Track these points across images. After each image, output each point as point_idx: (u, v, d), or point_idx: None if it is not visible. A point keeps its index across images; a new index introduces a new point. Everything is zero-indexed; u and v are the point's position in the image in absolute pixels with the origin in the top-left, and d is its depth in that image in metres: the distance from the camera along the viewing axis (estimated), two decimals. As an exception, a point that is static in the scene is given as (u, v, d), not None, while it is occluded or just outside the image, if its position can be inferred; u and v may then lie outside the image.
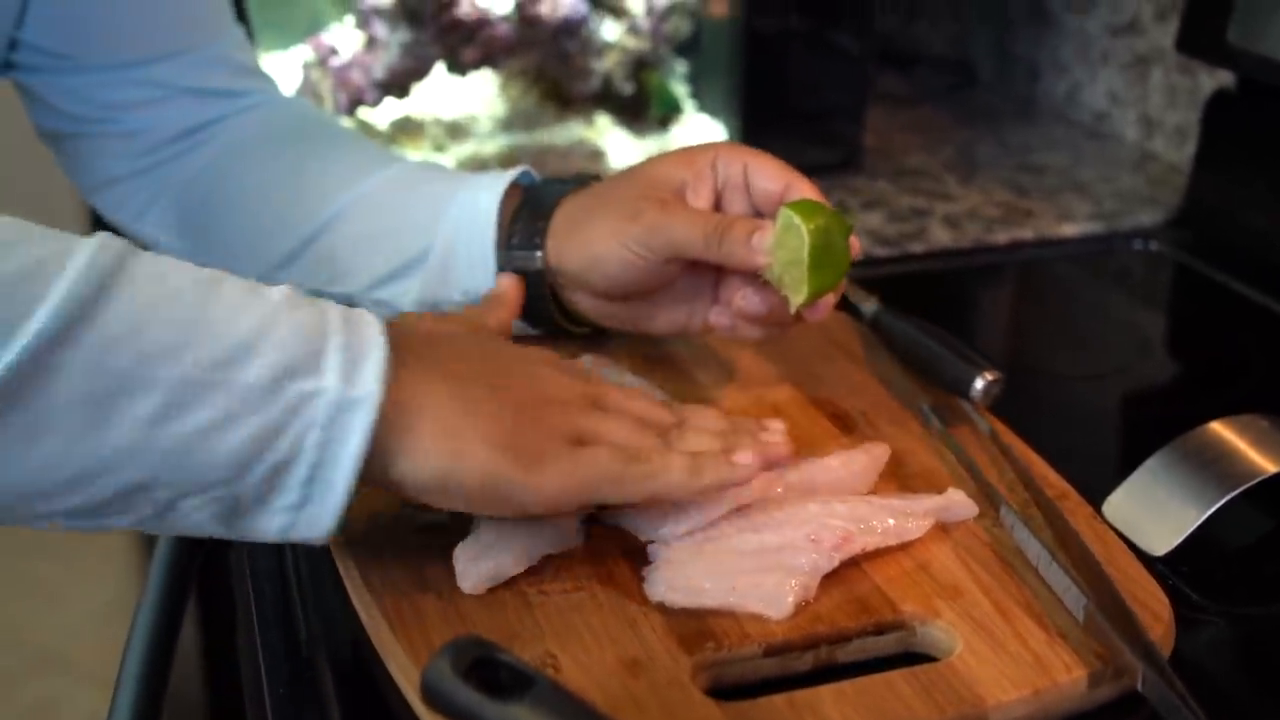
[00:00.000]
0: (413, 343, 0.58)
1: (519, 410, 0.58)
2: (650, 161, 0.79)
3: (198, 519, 0.53)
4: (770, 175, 0.75)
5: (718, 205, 0.76)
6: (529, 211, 0.79)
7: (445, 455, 0.55)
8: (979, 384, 0.74)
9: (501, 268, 0.78)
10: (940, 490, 0.67)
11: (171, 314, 0.50)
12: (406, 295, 0.82)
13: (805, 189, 0.73)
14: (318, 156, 0.87)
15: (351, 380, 0.52)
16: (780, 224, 0.68)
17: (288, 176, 0.86)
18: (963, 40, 1.50)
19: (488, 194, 0.79)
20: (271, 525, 0.53)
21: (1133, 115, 1.27)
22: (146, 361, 0.49)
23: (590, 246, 0.76)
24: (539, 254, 0.77)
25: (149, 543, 1.70)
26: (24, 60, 0.83)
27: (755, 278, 0.71)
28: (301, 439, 0.51)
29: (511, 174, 0.80)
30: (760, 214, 0.75)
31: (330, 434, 0.52)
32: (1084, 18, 1.32)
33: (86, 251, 0.49)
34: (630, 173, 0.79)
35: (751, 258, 0.70)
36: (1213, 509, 0.65)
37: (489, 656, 0.49)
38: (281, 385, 0.51)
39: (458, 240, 0.79)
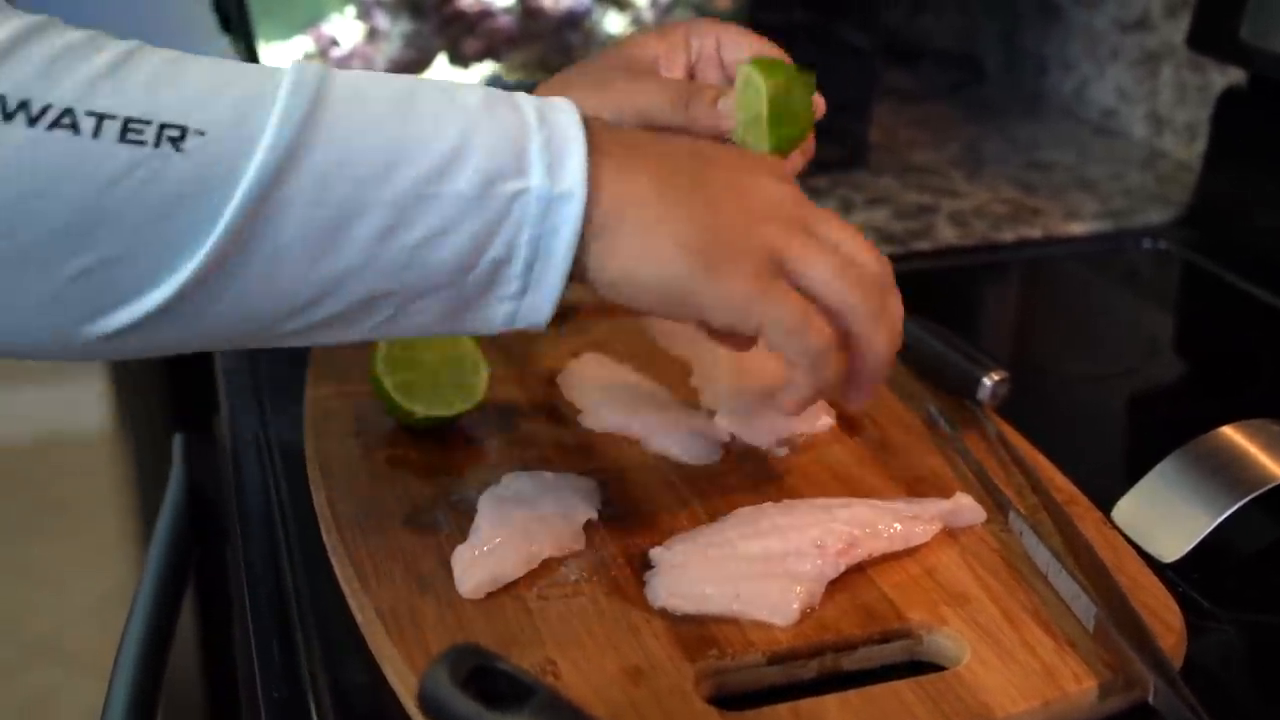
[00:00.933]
0: (615, 136, 0.58)
1: (719, 212, 0.57)
2: (626, 39, 0.80)
3: (428, 318, 0.55)
4: (742, 45, 0.74)
5: (692, 77, 0.75)
6: None
7: (635, 253, 0.56)
8: (986, 385, 0.74)
9: None
10: (947, 495, 0.67)
11: (379, 136, 0.51)
12: None
13: (774, 55, 0.72)
14: None
15: (557, 177, 0.53)
16: (740, 81, 0.69)
17: None
18: (969, 35, 1.49)
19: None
20: (496, 315, 0.55)
21: (1142, 112, 1.27)
22: (362, 186, 0.51)
23: None
24: None
25: (146, 532, 1.70)
26: None
27: None
28: (516, 236, 0.53)
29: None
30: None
31: (542, 229, 0.53)
32: (1092, 13, 1.31)
33: (286, 87, 0.50)
34: (605, 50, 0.80)
35: (717, 121, 0.70)
36: (1224, 515, 0.65)
37: (488, 665, 0.49)
38: (492, 189, 0.52)
39: None
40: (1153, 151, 1.24)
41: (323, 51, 1.09)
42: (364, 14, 1.08)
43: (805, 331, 0.56)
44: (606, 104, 0.73)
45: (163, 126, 0.48)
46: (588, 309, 0.83)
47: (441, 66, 1.12)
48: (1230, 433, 0.69)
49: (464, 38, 1.09)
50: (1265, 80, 0.99)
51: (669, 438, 0.71)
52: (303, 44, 1.13)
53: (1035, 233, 1.06)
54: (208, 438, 0.87)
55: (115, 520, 2.05)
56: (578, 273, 0.56)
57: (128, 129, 0.47)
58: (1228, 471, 0.67)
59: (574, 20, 1.10)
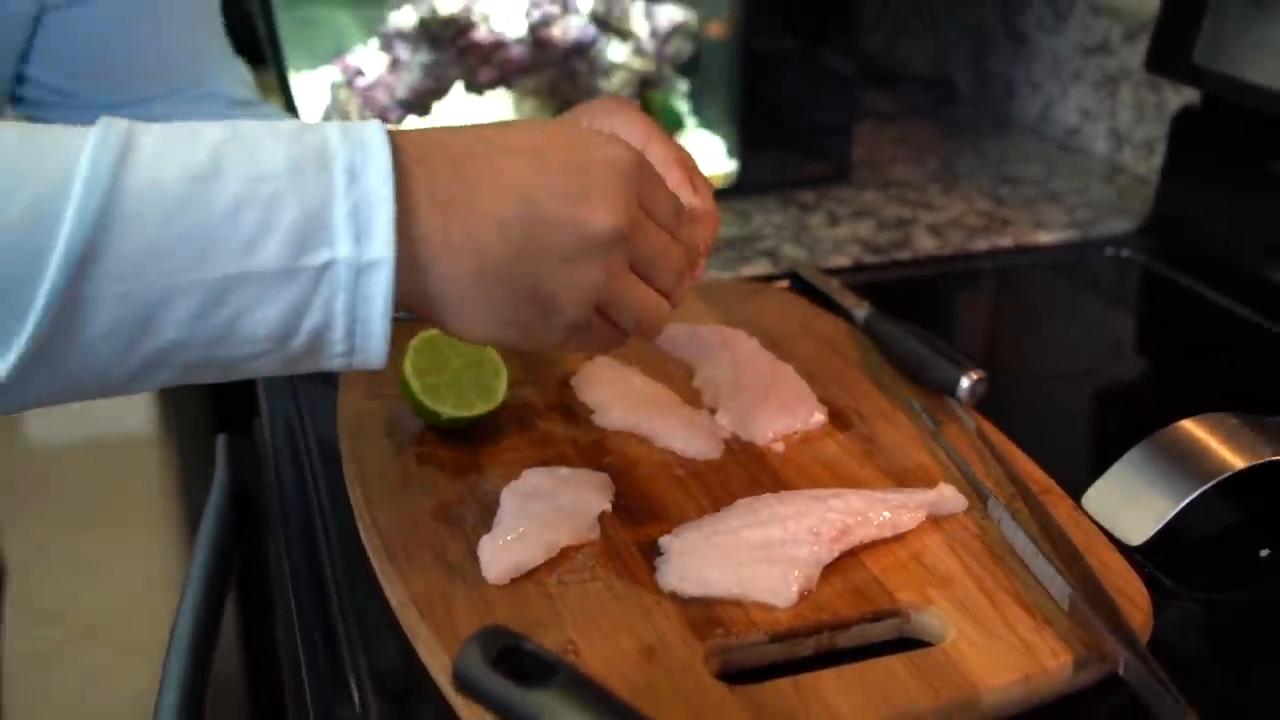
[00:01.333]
0: (436, 185, 0.53)
1: (535, 287, 0.54)
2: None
3: (262, 370, 0.52)
4: (633, 134, 0.67)
5: None
6: None
7: (463, 322, 0.54)
8: (965, 384, 0.74)
9: None
10: (931, 485, 0.66)
11: (180, 225, 0.48)
12: None
13: (657, 148, 0.66)
14: None
15: (364, 245, 0.50)
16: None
17: None
18: (943, 60, 1.49)
19: None
20: (331, 365, 0.52)
21: (1103, 130, 1.27)
22: (167, 276, 0.47)
23: None
24: None
25: (190, 526, 1.70)
26: (31, 95, 0.84)
27: None
28: (331, 305, 0.50)
29: None
30: None
31: (356, 297, 0.50)
32: (1056, 38, 1.31)
33: (81, 177, 0.46)
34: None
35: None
36: (1186, 501, 0.65)
37: (515, 645, 0.49)
38: (298, 262, 0.49)
39: None
40: (1113, 166, 1.24)
41: (348, 81, 1.08)
42: (386, 46, 1.08)
43: (610, 345, 0.58)
44: None
45: None
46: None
47: (458, 94, 1.12)
48: (1190, 426, 0.69)
49: (479, 67, 1.09)
50: (1217, 100, 0.99)
51: (675, 435, 0.71)
52: (330, 74, 1.13)
53: (1006, 242, 1.06)
54: (248, 439, 0.87)
55: (161, 515, 2.05)
56: (414, 311, 0.54)
57: None
58: (1188, 461, 0.67)
59: (580, 50, 1.10)
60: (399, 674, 0.57)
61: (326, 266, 0.49)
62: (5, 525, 1.01)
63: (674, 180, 0.60)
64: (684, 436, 0.71)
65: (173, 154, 0.48)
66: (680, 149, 0.64)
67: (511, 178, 0.53)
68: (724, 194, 1.14)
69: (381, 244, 0.49)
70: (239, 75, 0.89)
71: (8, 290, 0.45)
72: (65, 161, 0.47)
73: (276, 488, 0.75)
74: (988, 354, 0.90)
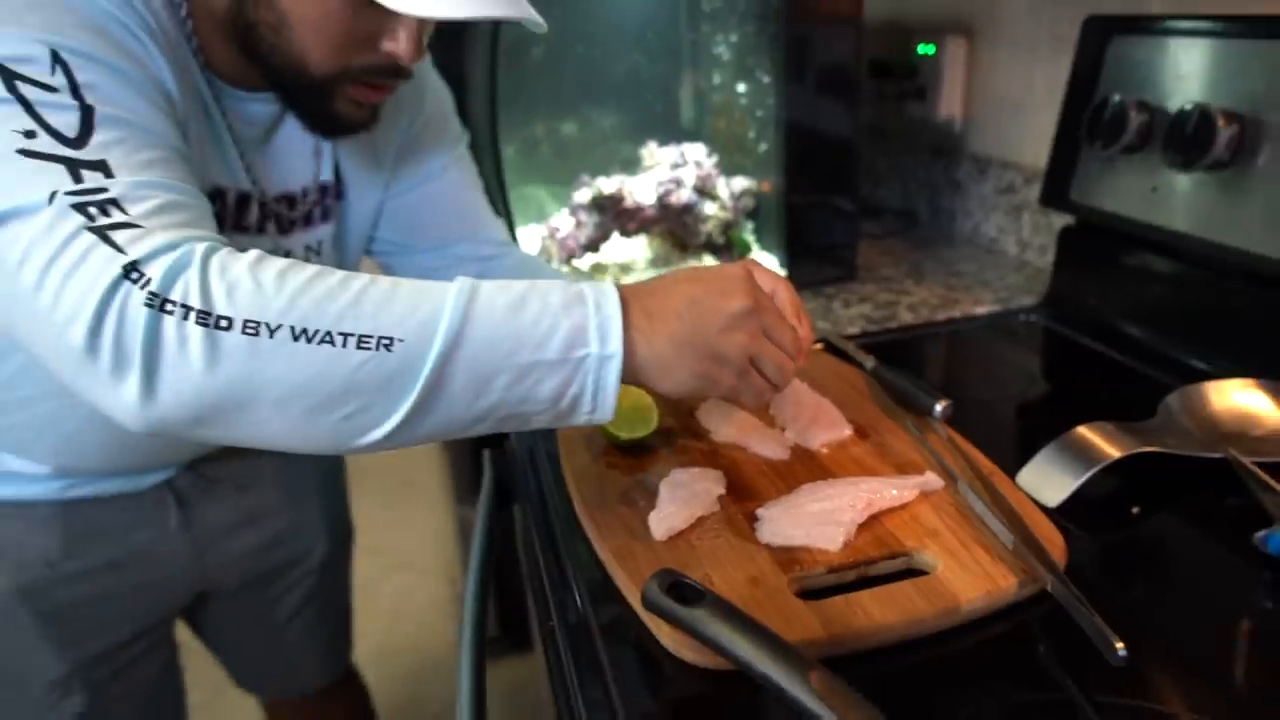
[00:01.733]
0: (653, 313, 0.52)
1: (710, 346, 0.53)
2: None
3: (543, 422, 0.52)
4: (766, 280, 0.61)
5: None
6: None
7: (667, 380, 0.53)
8: (938, 408, 0.72)
9: None
10: (921, 472, 0.65)
11: (504, 330, 0.48)
12: None
13: (782, 290, 0.60)
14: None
15: (605, 345, 0.50)
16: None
17: None
18: (910, 199, 1.45)
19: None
20: (579, 420, 0.52)
21: (1013, 240, 1.22)
22: (495, 361, 0.48)
23: None
24: None
25: (467, 500, 1.70)
26: (378, 248, 0.84)
27: None
28: (584, 381, 0.50)
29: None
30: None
31: (599, 375, 0.50)
32: (981, 184, 1.27)
33: (449, 306, 0.48)
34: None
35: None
36: (1084, 478, 0.63)
37: (679, 580, 0.50)
38: (569, 354, 0.49)
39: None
40: (1021, 262, 1.20)
41: (551, 234, 1.07)
42: (573, 212, 1.08)
43: (761, 395, 0.55)
44: None
45: (381, 338, 0.46)
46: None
47: (616, 239, 1.11)
48: (1084, 430, 0.67)
49: (628, 222, 1.08)
50: (1086, 222, 0.97)
51: (761, 445, 0.69)
52: (539, 230, 1.13)
53: (957, 314, 1.03)
54: (504, 452, 0.86)
55: (443, 493, 2.04)
56: (634, 382, 0.52)
57: (362, 341, 0.45)
58: (1084, 452, 0.65)
59: (689, 209, 1.08)
60: (603, 591, 0.57)
61: (584, 358, 0.50)
62: (354, 496, 1.03)
63: (790, 312, 0.59)
64: (767, 446, 0.69)
65: (499, 294, 0.50)
66: (794, 293, 0.61)
67: (681, 291, 0.53)
68: None
69: (615, 344, 0.50)
70: (499, 226, 0.88)
71: (405, 371, 0.46)
72: (442, 296, 0.48)
73: (523, 480, 0.75)
74: (952, 386, 0.87)
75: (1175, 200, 0.82)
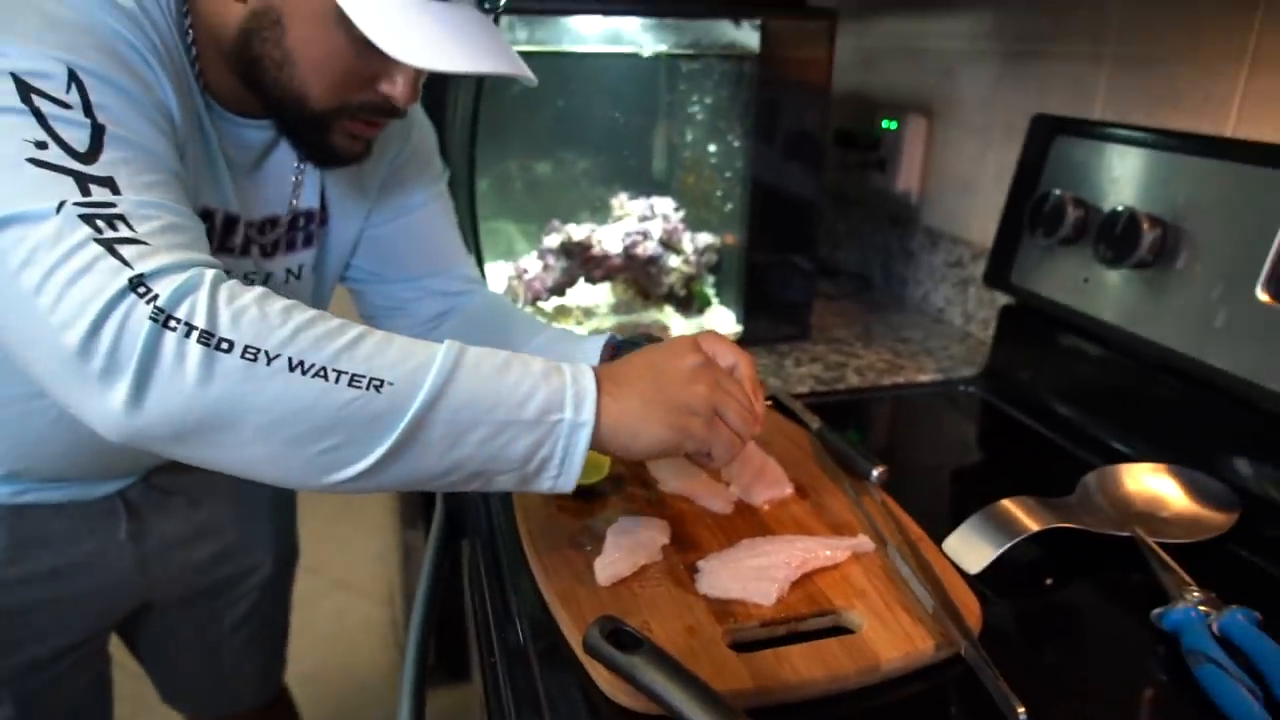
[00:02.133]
0: (611, 377, 0.56)
1: (675, 399, 0.56)
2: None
3: (508, 485, 0.54)
4: (725, 353, 0.66)
5: None
6: (615, 358, 0.74)
7: (636, 438, 0.55)
8: (875, 473, 0.75)
9: None
10: (854, 534, 0.67)
11: (487, 388, 0.51)
12: None
13: (744, 364, 0.65)
14: (509, 324, 0.83)
15: (579, 412, 0.53)
16: None
17: (492, 336, 0.78)
18: (864, 263, 1.49)
19: (593, 348, 0.76)
20: (543, 486, 0.54)
21: (959, 311, 1.26)
22: (475, 415, 0.50)
23: None
24: None
25: (402, 519, 1.69)
26: (353, 275, 0.84)
27: None
28: (555, 445, 0.52)
29: (604, 338, 0.77)
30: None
31: (570, 441, 0.53)
32: (932, 255, 1.31)
33: (438, 362, 0.50)
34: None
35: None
36: (1004, 549, 0.66)
37: (619, 627, 0.52)
38: (544, 418, 0.52)
39: None
40: (965, 333, 1.23)
41: (518, 275, 1.09)
42: (541, 256, 1.10)
43: (731, 446, 0.58)
44: None
45: (372, 379, 0.48)
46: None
47: (581, 284, 1.13)
48: (1007, 503, 0.70)
49: (594, 269, 1.10)
50: (1024, 304, 1.00)
51: (708, 498, 0.71)
52: (507, 269, 1.13)
53: (902, 380, 1.05)
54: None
55: (387, 517, 2.01)
56: (605, 451, 0.55)
57: (354, 380, 0.47)
58: (1005, 524, 0.68)
59: (653, 260, 1.11)
60: (545, 630, 0.58)
61: (558, 422, 0.52)
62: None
63: (748, 386, 0.62)
64: (713, 500, 0.71)
65: (485, 356, 0.52)
66: (753, 368, 0.65)
67: (639, 360, 0.58)
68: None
69: (588, 413, 0.53)
70: (470, 263, 0.89)
71: (390, 412, 0.48)
72: (433, 350, 0.51)
73: (474, 515, 0.76)
74: (893, 450, 0.89)
75: (1105, 292, 0.87)
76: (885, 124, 1.37)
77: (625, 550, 0.63)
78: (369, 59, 0.60)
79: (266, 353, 0.46)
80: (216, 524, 0.90)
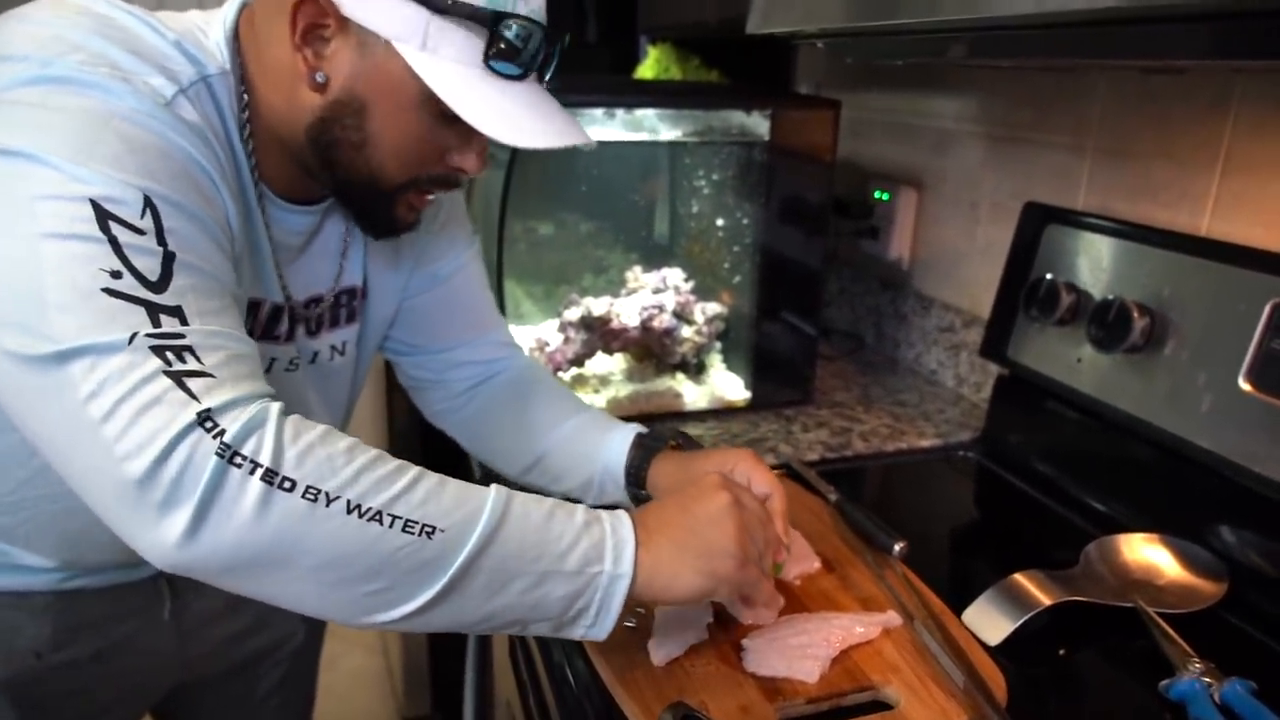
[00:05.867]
0: (646, 525, 0.58)
1: (708, 546, 0.58)
2: (706, 456, 0.74)
3: (540, 630, 0.56)
4: (760, 482, 0.71)
5: None
6: (640, 457, 0.77)
7: (671, 587, 0.57)
8: (896, 548, 0.79)
9: (629, 493, 0.77)
10: (882, 608, 0.71)
11: (532, 538, 0.53)
12: (589, 497, 0.79)
13: (776, 497, 0.70)
14: (542, 401, 0.84)
15: (618, 563, 0.55)
16: None
17: (526, 412, 0.84)
18: (857, 323, 1.52)
19: (621, 441, 0.77)
20: (576, 634, 0.56)
21: (951, 374, 1.30)
22: (520, 564, 0.52)
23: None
24: (643, 491, 0.76)
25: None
26: (391, 346, 0.86)
27: None
28: (594, 595, 0.55)
29: (632, 431, 0.78)
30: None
31: (609, 591, 0.55)
32: (924, 320, 1.35)
33: (488, 510, 0.52)
34: (695, 460, 0.75)
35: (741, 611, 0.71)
36: (1020, 622, 0.70)
37: (690, 713, 0.55)
38: (585, 570, 0.54)
39: (606, 474, 0.78)
40: (958, 396, 1.26)
41: (540, 348, 1.12)
42: (562, 329, 1.13)
43: (760, 587, 0.62)
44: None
45: (424, 525, 0.49)
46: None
47: (600, 355, 1.16)
48: (1020, 577, 0.74)
49: (611, 341, 1.14)
50: (1019, 376, 1.04)
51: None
52: (520, 334, 1.16)
53: (904, 445, 1.08)
54: None
55: None
56: (641, 599, 0.57)
57: (408, 525, 0.49)
58: (1019, 598, 0.72)
59: (668, 331, 1.15)
60: (602, 705, 0.62)
61: (597, 574, 0.55)
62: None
63: (779, 515, 0.68)
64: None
65: (533, 504, 0.54)
66: (784, 498, 0.69)
67: (671, 504, 0.61)
68: (743, 410, 1.17)
69: (627, 565, 0.55)
70: (505, 328, 0.89)
71: (439, 559, 0.50)
72: (483, 496, 0.53)
73: None
74: (900, 517, 0.89)
75: (1097, 371, 0.94)
76: (878, 195, 1.44)
77: (675, 630, 0.66)
78: (446, 134, 0.61)
79: (327, 494, 0.47)
80: (247, 598, 0.90)
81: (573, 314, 1.13)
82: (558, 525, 0.54)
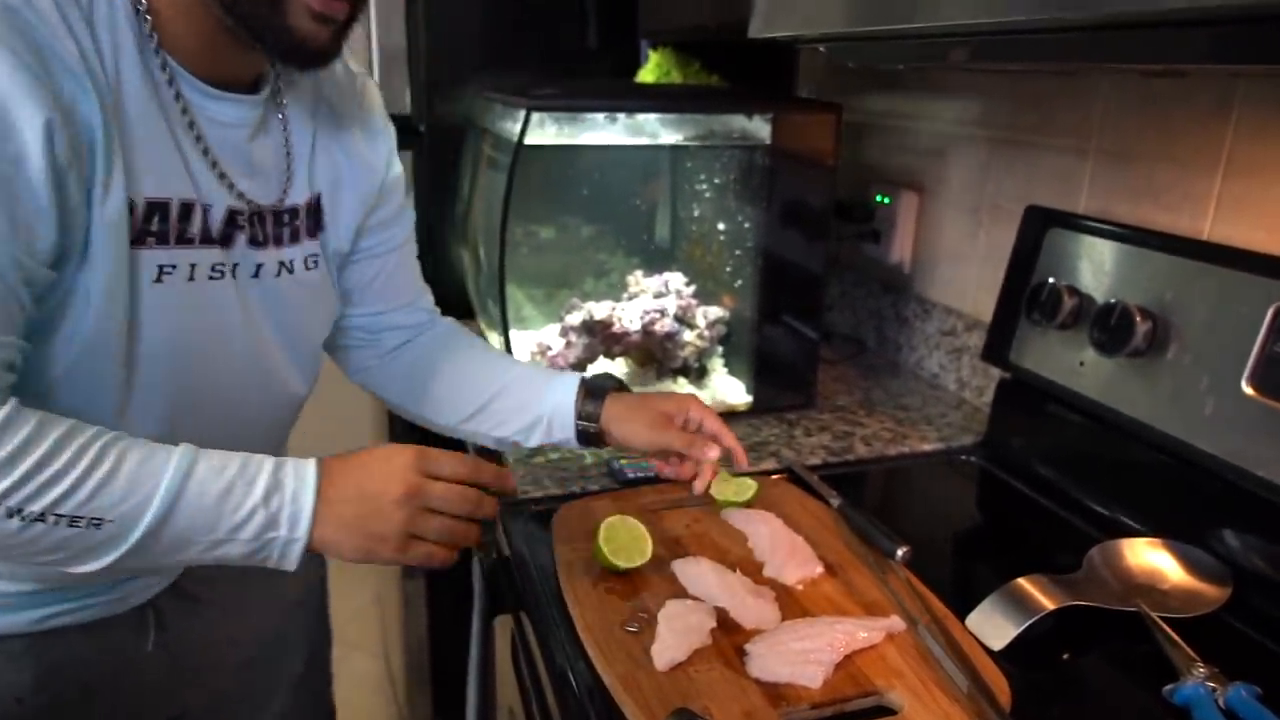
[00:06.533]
0: (331, 498, 0.63)
1: (371, 526, 0.63)
2: (657, 397, 0.86)
3: (231, 562, 0.62)
4: (711, 424, 0.83)
5: (684, 425, 0.84)
6: (591, 398, 0.85)
7: (343, 552, 0.64)
8: (899, 553, 0.79)
9: (576, 430, 0.85)
10: (885, 613, 0.71)
11: (208, 516, 0.59)
12: (533, 438, 0.86)
13: (728, 438, 0.83)
14: (479, 356, 0.90)
15: (294, 529, 0.62)
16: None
17: (464, 366, 0.88)
18: (858, 326, 1.53)
19: (567, 386, 0.85)
20: (267, 566, 0.63)
21: (953, 378, 1.30)
22: (196, 534, 0.59)
23: (628, 436, 0.84)
24: (595, 426, 0.84)
25: (405, 569, 1.66)
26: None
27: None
28: (272, 551, 0.62)
29: (576, 378, 0.87)
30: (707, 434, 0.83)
31: (285, 551, 0.62)
32: (926, 323, 1.36)
33: (160, 494, 0.57)
34: (647, 400, 0.86)
35: (703, 453, 0.80)
36: (1024, 627, 0.70)
37: (692, 716, 0.56)
38: (261, 535, 0.61)
39: (555, 414, 0.85)
40: (960, 400, 1.26)
41: (541, 352, 1.12)
42: (564, 334, 1.14)
43: (430, 557, 0.66)
44: (652, 439, 0.82)
45: (91, 519, 0.55)
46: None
47: (601, 359, 1.17)
48: (1023, 582, 0.74)
49: (613, 345, 1.14)
50: (1021, 380, 1.04)
51: (742, 612, 0.71)
52: (530, 343, 1.17)
53: (906, 449, 1.08)
54: (504, 566, 0.87)
55: (383, 569, 2.02)
56: (317, 553, 0.63)
57: (73, 521, 0.55)
58: (1022, 603, 0.72)
59: (670, 335, 1.15)
60: (604, 709, 0.62)
61: (272, 539, 0.61)
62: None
63: (712, 424, 0.81)
64: (746, 612, 0.71)
65: (211, 482, 0.60)
66: (730, 434, 0.82)
67: (353, 480, 0.64)
68: (745, 415, 1.17)
69: (302, 530, 0.62)
70: (429, 297, 0.93)
71: (108, 542, 0.57)
72: (155, 483, 0.58)
73: (518, 593, 0.78)
74: (903, 521, 0.91)
75: (1099, 375, 0.94)
76: (879, 198, 1.44)
77: (678, 636, 0.66)
78: None
79: None
80: (245, 627, 0.89)
81: (574, 318, 1.13)
82: (234, 499, 0.60)
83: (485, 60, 1.54)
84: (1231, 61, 0.69)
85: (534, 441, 0.87)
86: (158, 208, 0.63)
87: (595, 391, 0.86)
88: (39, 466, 0.53)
